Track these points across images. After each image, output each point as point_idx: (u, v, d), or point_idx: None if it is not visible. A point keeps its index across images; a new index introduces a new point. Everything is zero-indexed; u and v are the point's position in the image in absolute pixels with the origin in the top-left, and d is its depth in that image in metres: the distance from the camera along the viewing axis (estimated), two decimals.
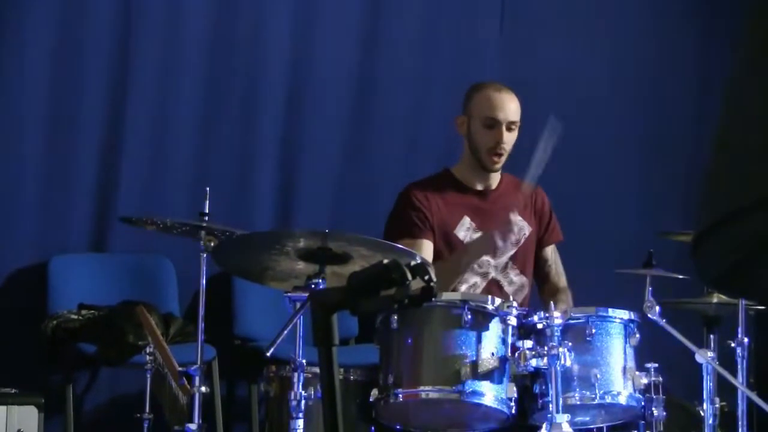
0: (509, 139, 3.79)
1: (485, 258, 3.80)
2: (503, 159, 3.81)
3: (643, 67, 5.86)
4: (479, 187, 3.86)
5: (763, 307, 4.07)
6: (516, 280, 3.84)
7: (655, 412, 3.36)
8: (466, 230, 3.81)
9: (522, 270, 3.86)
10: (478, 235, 3.80)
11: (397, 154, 5.36)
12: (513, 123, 3.79)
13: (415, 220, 3.77)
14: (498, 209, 3.85)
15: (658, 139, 5.83)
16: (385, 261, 1.52)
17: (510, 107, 3.79)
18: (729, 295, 3.81)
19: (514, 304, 3.33)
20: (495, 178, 3.90)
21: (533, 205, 3.94)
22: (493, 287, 3.79)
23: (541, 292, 3.98)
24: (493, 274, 3.82)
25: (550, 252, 3.99)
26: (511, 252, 3.85)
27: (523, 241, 3.87)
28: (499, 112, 3.77)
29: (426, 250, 3.72)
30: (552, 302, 3.45)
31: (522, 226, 3.88)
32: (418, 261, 2.85)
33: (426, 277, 1.51)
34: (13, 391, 3.99)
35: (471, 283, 3.79)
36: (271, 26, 5.17)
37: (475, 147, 3.83)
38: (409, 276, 1.50)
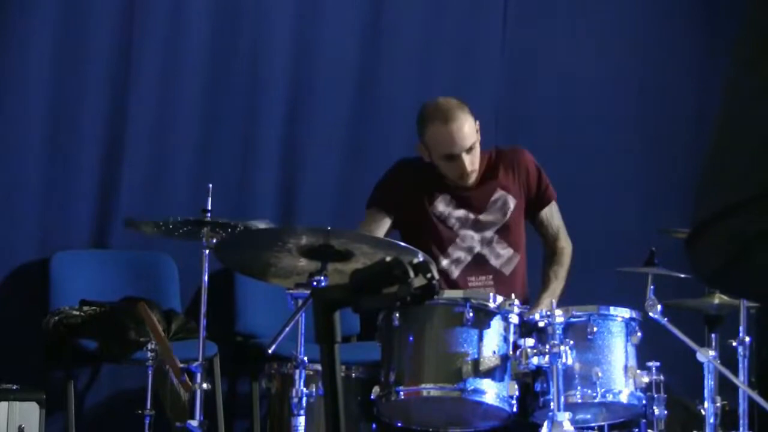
0: (472, 159, 3.76)
1: (469, 232, 3.80)
2: (475, 175, 3.80)
3: (643, 66, 5.85)
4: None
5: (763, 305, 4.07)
6: (503, 254, 3.82)
7: (657, 411, 3.36)
8: (446, 204, 3.82)
9: (509, 243, 3.84)
10: (459, 211, 3.80)
11: (398, 152, 5.33)
12: (471, 146, 3.74)
13: (382, 194, 3.86)
14: (479, 188, 3.84)
15: (660, 137, 5.83)
16: (388, 258, 1.52)
17: (462, 135, 3.72)
18: (723, 292, 3.81)
19: (516, 302, 3.33)
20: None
21: (515, 173, 3.89)
22: (479, 261, 3.79)
23: (544, 259, 3.92)
24: (478, 248, 3.81)
25: (545, 215, 3.92)
26: (497, 226, 3.84)
27: (509, 214, 3.84)
28: (453, 147, 3.73)
29: (372, 221, 3.79)
30: (543, 281, 3.67)
31: (506, 200, 3.86)
32: (421, 258, 2.86)
33: (428, 275, 1.51)
34: (15, 387, 3.99)
35: (455, 258, 3.78)
36: (273, 25, 5.16)
37: (443, 173, 3.82)
38: (412, 273, 1.50)
